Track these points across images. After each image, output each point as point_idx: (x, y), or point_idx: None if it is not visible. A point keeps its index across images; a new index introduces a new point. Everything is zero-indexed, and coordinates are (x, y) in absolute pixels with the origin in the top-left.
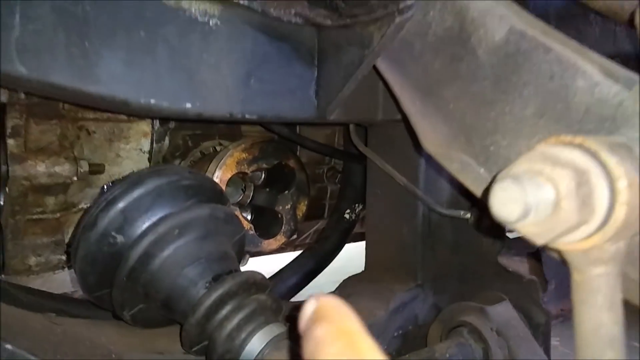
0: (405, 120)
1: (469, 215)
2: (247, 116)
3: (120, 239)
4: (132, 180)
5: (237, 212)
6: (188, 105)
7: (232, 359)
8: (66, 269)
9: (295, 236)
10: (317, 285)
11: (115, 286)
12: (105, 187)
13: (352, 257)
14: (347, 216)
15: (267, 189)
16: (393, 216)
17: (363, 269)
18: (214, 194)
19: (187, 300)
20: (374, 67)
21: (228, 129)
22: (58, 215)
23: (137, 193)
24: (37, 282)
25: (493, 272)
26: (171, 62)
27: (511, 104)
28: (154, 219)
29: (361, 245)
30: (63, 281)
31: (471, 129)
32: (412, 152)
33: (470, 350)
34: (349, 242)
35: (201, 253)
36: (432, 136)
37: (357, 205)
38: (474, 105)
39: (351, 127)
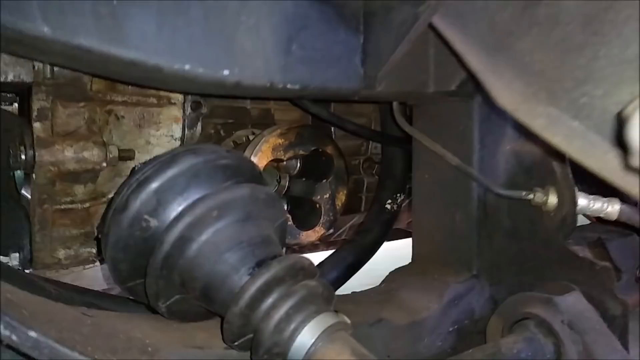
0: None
1: (531, 196)
2: (288, 86)
3: (153, 222)
4: (166, 159)
5: None
6: (225, 72)
7: (281, 353)
8: (97, 263)
9: (332, 230)
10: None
11: (149, 274)
12: (136, 167)
13: (376, 260)
14: (388, 207)
15: (304, 179)
16: (444, 202)
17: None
18: (253, 176)
19: (228, 288)
20: (429, 26)
21: (261, 117)
22: (87, 205)
23: (171, 173)
24: (67, 279)
25: (557, 259)
26: (206, 23)
27: (607, 46)
28: (190, 200)
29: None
30: (94, 278)
31: (554, 82)
32: (463, 130)
33: (540, 346)
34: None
35: (242, 236)
36: (506, 93)
37: (398, 195)
38: (557, 54)
39: (395, 105)
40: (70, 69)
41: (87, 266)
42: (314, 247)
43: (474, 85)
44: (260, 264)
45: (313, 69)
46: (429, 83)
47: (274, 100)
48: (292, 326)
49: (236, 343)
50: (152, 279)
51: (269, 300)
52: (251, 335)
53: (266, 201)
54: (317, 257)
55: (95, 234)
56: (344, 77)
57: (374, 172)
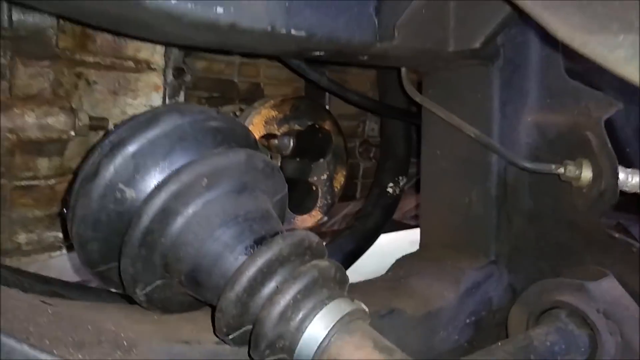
0: None
1: (562, 170)
2: (293, 31)
3: (130, 193)
4: (145, 118)
5: None
6: (219, 10)
7: (286, 347)
8: (65, 250)
9: (326, 217)
10: None
11: (124, 255)
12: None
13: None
14: (389, 190)
15: (298, 159)
16: (458, 180)
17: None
18: (248, 143)
19: (221, 270)
20: None
21: (250, 92)
22: (53, 182)
23: (151, 134)
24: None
25: (585, 242)
26: None
27: None
28: (174, 166)
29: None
30: (62, 269)
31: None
32: (482, 99)
33: (573, 338)
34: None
35: (238, 210)
36: (570, 25)
37: (400, 177)
38: None
39: (403, 72)
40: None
41: (53, 254)
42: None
43: (495, 44)
44: (260, 242)
45: (321, 14)
46: (449, 41)
47: (272, 57)
48: (301, 314)
49: (231, 336)
50: (128, 260)
51: (272, 284)
52: (249, 327)
53: (265, 171)
54: None
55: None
56: (356, 27)
57: (370, 155)
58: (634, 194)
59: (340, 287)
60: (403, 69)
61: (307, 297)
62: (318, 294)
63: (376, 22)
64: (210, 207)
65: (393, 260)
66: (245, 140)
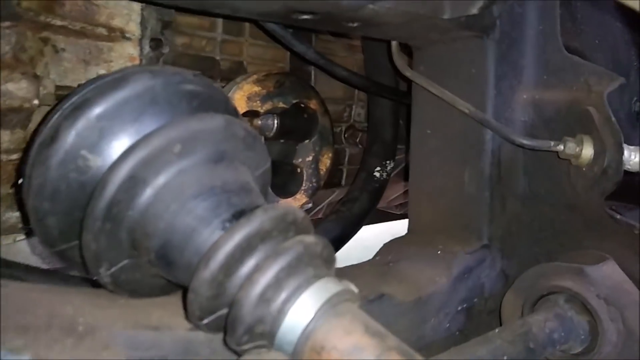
0: None
1: (561, 147)
2: None
3: (94, 160)
4: (113, 78)
5: None
6: None
7: (267, 333)
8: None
9: (310, 204)
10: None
11: (87, 229)
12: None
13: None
14: (377, 174)
15: (282, 140)
16: (450, 159)
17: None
18: (228, 110)
19: (195, 246)
20: None
21: (232, 70)
22: (15, 157)
23: (120, 96)
24: None
25: (583, 224)
26: None
27: None
28: (144, 131)
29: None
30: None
31: None
32: (476, 74)
33: (572, 325)
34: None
35: (215, 180)
36: None
37: (388, 161)
38: None
39: (393, 45)
40: None
41: (19, 237)
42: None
43: (491, 15)
44: (239, 216)
45: None
46: (445, 6)
47: (253, 18)
48: (284, 295)
49: (205, 321)
50: (91, 235)
51: (251, 262)
52: (225, 311)
53: (246, 140)
54: None
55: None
56: None
57: (357, 141)
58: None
59: (327, 266)
60: (394, 43)
61: (290, 275)
62: (303, 272)
63: None
64: (184, 176)
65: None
66: (224, 107)
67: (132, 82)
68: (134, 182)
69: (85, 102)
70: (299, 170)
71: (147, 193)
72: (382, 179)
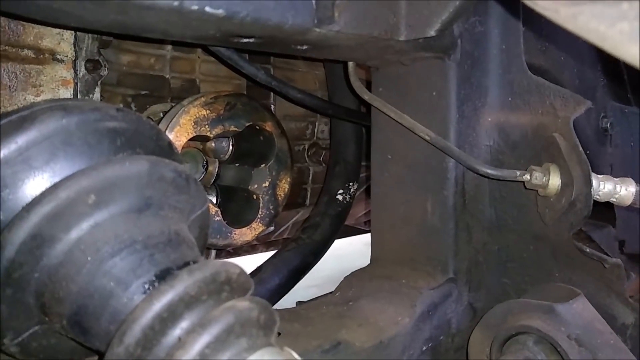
0: None
1: (527, 176)
2: (207, 9)
3: None
4: (18, 117)
5: None
6: None
7: None
8: None
9: (272, 227)
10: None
11: None
12: None
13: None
14: (339, 197)
15: (237, 164)
16: (412, 188)
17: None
18: (159, 147)
19: (112, 313)
20: None
21: (183, 89)
22: None
23: (25, 138)
24: None
25: (551, 256)
26: None
27: None
28: (56, 179)
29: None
30: None
31: None
32: (437, 96)
33: None
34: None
35: (136, 234)
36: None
37: (351, 183)
38: None
39: (350, 66)
40: None
41: None
42: (251, 249)
43: (452, 35)
44: (164, 276)
45: None
46: (400, 28)
47: (191, 44)
48: None
49: None
50: None
51: (174, 334)
52: None
53: (176, 183)
54: (254, 260)
55: None
56: (289, 7)
57: (321, 159)
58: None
59: (265, 332)
60: (350, 64)
61: (218, 351)
62: (234, 345)
63: (314, 3)
64: (99, 231)
65: (348, 263)
66: (155, 144)
67: (40, 122)
68: (40, 241)
69: None
70: (254, 196)
71: (56, 252)
72: (345, 202)
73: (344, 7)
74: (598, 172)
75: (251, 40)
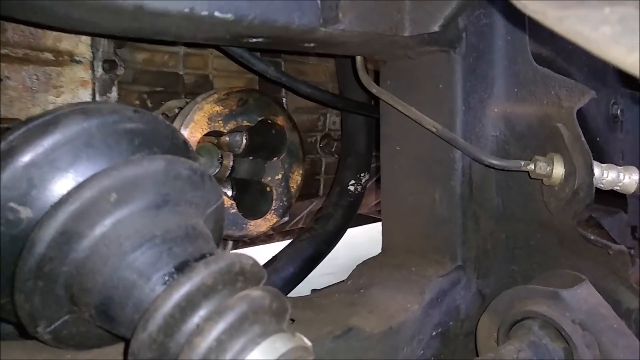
0: None
1: (531, 166)
2: (217, 14)
3: (25, 212)
4: (43, 121)
5: None
6: None
7: None
8: None
9: (286, 217)
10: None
11: (17, 289)
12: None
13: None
14: (351, 188)
15: (251, 157)
16: (420, 178)
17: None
18: (175, 145)
19: (135, 303)
20: None
21: (197, 85)
22: None
23: (50, 141)
24: None
25: (559, 243)
26: None
27: None
28: (80, 178)
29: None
30: None
31: None
32: (444, 89)
33: (547, 352)
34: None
35: (155, 229)
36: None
37: (363, 174)
38: None
39: (358, 60)
40: None
41: None
42: (267, 238)
43: (456, 29)
44: (182, 268)
45: None
46: (405, 23)
47: (203, 45)
48: (228, 358)
49: None
50: (23, 295)
51: (193, 321)
52: None
53: (192, 180)
54: (270, 250)
55: None
56: (295, 8)
57: (332, 150)
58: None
59: (277, 319)
60: (358, 58)
61: (233, 337)
62: (248, 332)
63: (319, 3)
64: (121, 228)
65: (363, 251)
66: (170, 143)
67: (63, 125)
68: (67, 237)
69: (12, 149)
70: (268, 189)
71: (83, 247)
72: (356, 192)
73: (348, 6)
74: (609, 159)
75: (260, 40)
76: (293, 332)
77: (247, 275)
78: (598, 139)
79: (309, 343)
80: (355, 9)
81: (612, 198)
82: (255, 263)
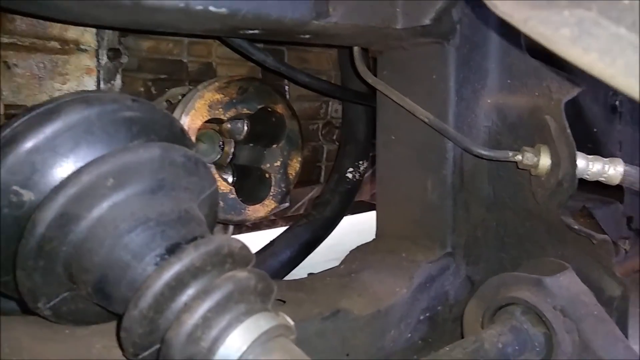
0: None
1: (519, 157)
2: (211, 8)
3: (28, 195)
4: (45, 110)
5: (214, 172)
6: None
7: None
8: None
9: (287, 203)
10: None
11: (19, 267)
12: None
13: (342, 233)
14: (349, 176)
15: (251, 144)
16: (413, 167)
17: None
18: (172, 133)
19: (129, 282)
20: None
21: (200, 72)
22: None
23: (52, 128)
24: None
25: (546, 232)
26: None
27: None
28: (79, 164)
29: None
30: None
31: None
32: (437, 80)
33: (528, 337)
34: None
35: (150, 212)
36: (510, 1)
37: (361, 162)
38: None
39: (355, 51)
40: None
41: None
42: (271, 223)
43: (450, 21)
44: (173, 250)
45: None
46: (397, 16)
47: (199, 37)
48: (213, 334)
49: (140, 356)
50: (24, 273)
51: (182, 299)
52: (158, 346)
53: (186, 166)
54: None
55: None
56: (288, 2)
57: (334, 137)
58: None
59: (262, 299)
60: (355, 48)
61: (219, 314)
62: (233, 310)
63: None
64: (117, 210)
65: (369, 237)
66: (168, 131)
67: (65, 113)
68: (67, 219)
69: (15, 136)
70: (267, 175)
71: (81, 229)
72: (354, 180)
73: (338, 1)
74: (606, 150)
75: (256, 31)
76: (277, 312)
77: (236, 257)
78: (595, 129)
79: (291, 322)
80: (346, 4)
81: (610, 189)
82: (244, 246)
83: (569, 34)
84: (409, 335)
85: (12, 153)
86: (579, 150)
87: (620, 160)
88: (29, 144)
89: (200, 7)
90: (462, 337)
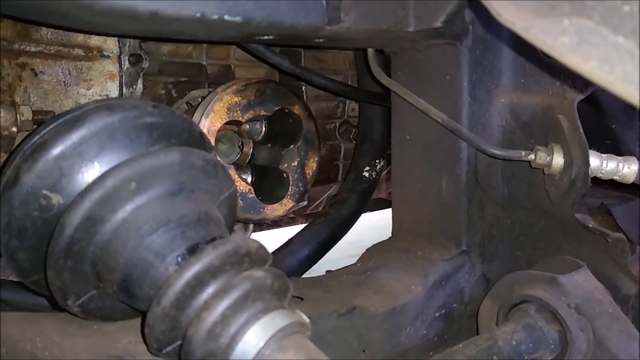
0: None
1: (532, 156)
2: (226, 17)
3: (56, 199)
4: (71, 117)
5: (233, 172)
6: None
7: None
8: None
9: (305, 201)
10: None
11: (49, 267)
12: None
13: (362, 230)
14: (366, 174)
15: (269, 145)
16: (428, 166)
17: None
18: (192, 138)
19: (151, 281)
20: None
21: (219, 75)
22: None
23: (77, 135)
24: None
25: (561, 231)
26: None
27: None
28: (104, 168)
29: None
30: None
31: None
32: (450, 80)
33: (542, 335)
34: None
35: (171, 214)
36: (514, 7)
37: (377, 161)
38: None
39: (370, 53)
40: None
41: None
42: (290, 221)
43: (463, 22)
44: (194, 250)
45: None
46: (409, 19)
47: (216, 43)
48: (231, 331)
49: (164, 351)
50: (54, 272)
51: (202, 297)
52: (180, 342)
53: (205, 169)
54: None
55: None
56: (301, 9)
57: (351, 136)
58: None
59: (279, 297)
60: (369, 50)
61: (237, 312)
62: (250, 307)
63: (324, 3)
64: (140, 213)
65: (388, 234)
66: (188, 135)
67: (90, 121)
68: (92, 221)
69: (44, 143)
70: (285, 175)
71: (106, 231)
72: (371, 179)
73: (349, 7)
74: (626, 147)
75: (271, 37)
76: (293, 309)
77: (253, 257)
78: (614, 126)
79: (307, 319)
80: (357, 9)
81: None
82: (261, 246)
83: (569, 42)
84: (425, 332)
85: (41, 159)
86: (597, 147)
87: (634, 158)
88: (57, 150)
89: (215, 17)
90: (477, 334)
